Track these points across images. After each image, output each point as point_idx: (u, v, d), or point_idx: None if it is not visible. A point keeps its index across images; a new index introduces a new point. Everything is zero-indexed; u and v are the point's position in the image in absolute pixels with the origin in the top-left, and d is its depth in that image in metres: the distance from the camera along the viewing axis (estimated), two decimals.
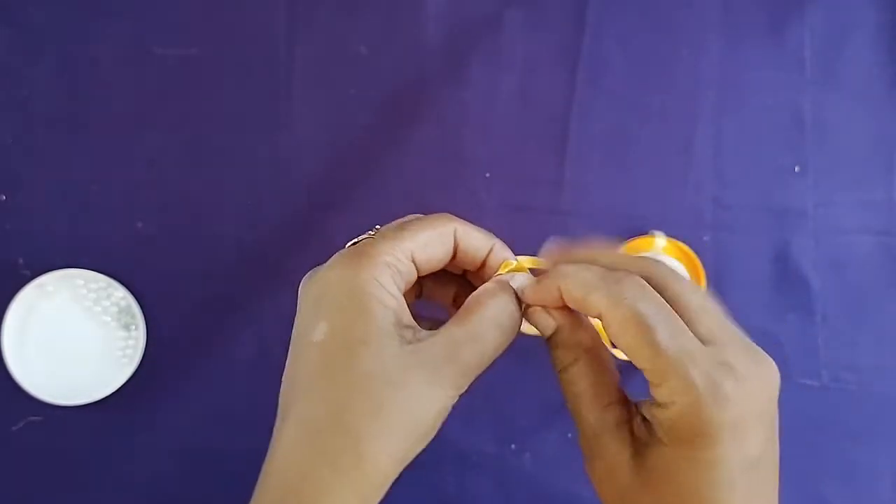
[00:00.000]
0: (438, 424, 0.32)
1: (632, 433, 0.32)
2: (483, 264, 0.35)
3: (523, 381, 0.60)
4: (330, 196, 0.60)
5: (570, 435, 0.60)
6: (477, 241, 0.34)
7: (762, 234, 0.61)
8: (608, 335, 0.31)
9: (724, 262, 0.60)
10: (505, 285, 0.33)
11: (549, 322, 0.33)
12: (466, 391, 0.32)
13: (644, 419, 0.31)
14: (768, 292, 0.61)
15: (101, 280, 0.58)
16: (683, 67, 0.62)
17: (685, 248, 0.59)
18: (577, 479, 0.60)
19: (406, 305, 0.32)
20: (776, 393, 0.32)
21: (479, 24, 0.61)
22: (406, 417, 0.30)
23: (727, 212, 0.61)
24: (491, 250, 0.35)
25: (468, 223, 0.34)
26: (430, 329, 0.33)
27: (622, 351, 0.30)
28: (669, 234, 0.59)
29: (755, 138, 0.61)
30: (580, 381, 0.33)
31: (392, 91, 0.61)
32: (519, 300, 0.34)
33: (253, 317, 0.60)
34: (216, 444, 0.60)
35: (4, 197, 0.60)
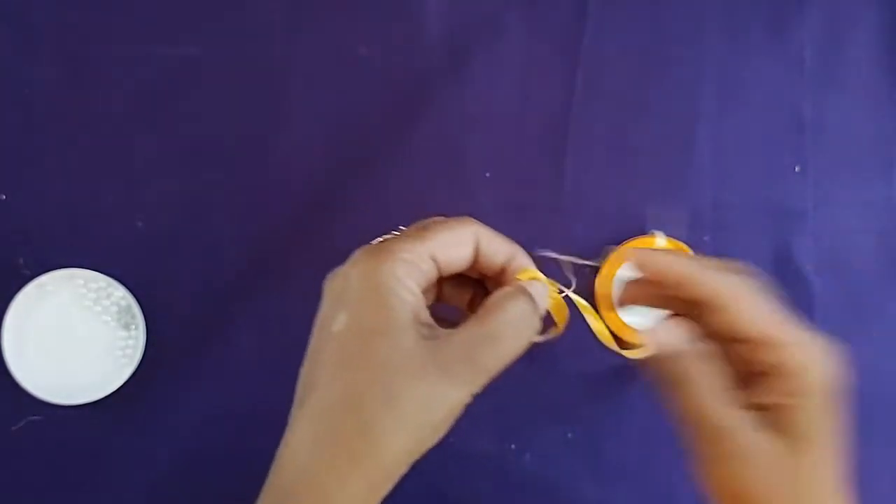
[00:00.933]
0: (450, 422, 0.32)
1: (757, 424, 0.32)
2: (502, 271, 0.35)
3: (523, 381, 0.60)
4: (330, 196, 0.60)
5: (570, 435, 0.60)
6: (498, 247, 0.35)
7: (762, 234, 0.61)
8: (728, 310, 0.32)
9: None
10: (523, 289, 0.34)
11: (676, 336, 0.34)
12: (480, 392, 0.32)
13: (755, 407, 0.33)
14: None
15: (101, 280, 0.58)
16: (683, 67, 0.62)
17: (685, 248, 0.59)
18: (578, 479, 0.60)
19: (424, 303, 0.33)
20: None
21: (479, 24, 0.61)
22: (418, 410, 0.30)
23: (727, 212, 0.61)
24: (512, 258, 0.35)
25: (490, 229, 0.35)
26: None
27: (738, 322, 0.32)
28: (669, 234, 0.59)
29: (755, 138, 0.61)
30: (716, 384, 0.32)
31: (392, 91, 0.61)
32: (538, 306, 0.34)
33: (253, 317, 0.60)
34: (216, 444, 0.60)
35: (4, 197, 0.60)
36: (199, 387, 0.60)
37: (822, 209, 0.61)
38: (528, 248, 0.60)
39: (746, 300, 0.32)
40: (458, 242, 0.34)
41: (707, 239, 0.61)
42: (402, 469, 0.31)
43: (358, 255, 0.33)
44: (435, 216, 0.36)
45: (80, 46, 0.60)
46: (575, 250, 0.60)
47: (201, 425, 0.59)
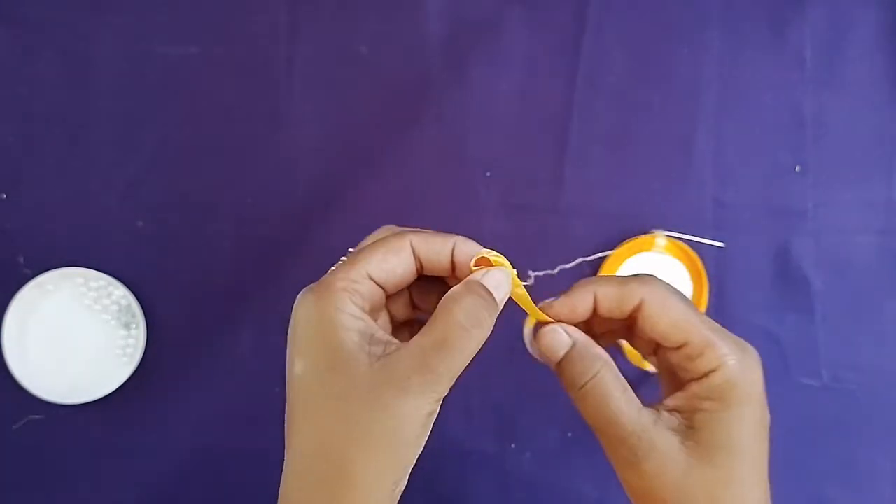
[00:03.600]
0: (424, 434, 0.32)
1: (667, 425, 0.33)
2: (453, 266, 0.35)
3: (524, 380, 0.60)
4: (330, 196, 0.60)
5: (570, 434, 0.60)
6: (436, 245, 0.35)
7: (762, 234, 0.61)
8: (646, 322, 0.33)
9: (724, 261, 0.60)
10: (473, 285, 0.34)
11: (563, 339, 0.35)
12: (448, 393, 0.33)
13: (670, 410, 0.34)
14: (768, 292, 0.61)
15: (102, 279, 0.58)
16: (684, 66, 0.61)
17: (686, 247, 0.59)
18: (578, 479, 0.60)
19: (373, 323, 0.33)
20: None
21: (479, 24, 0.61)
22: (386, 433, 0.31)
23: (727, 211, 0.61)
24: (454, 249, 0.35)
25: (424, 231, 0.35)
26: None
27: (661, 331, 0.33)
28: (669, 234, 0.59)
29: (755, 137, 0.61)
30: (611, 389, 0.33)
31: (392, 91, 0.61)
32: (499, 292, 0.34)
33: (253, 316, 0.60)
34: (216, 442, 0.60)
35: (5, 195, 0.60)
36: (199, 386, 0.60)
37: (822, 209, 0.61)
38: (529, 247, 0.60)
39: (668, 306, 0.33)
40: (392, 256, 0.34)
41: (707, 239, 0.61)
42: (390, 488, 0.32)
43: (301, 296, 0.34)
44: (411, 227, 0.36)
45: (80, 45, 0.60)
46: (575, 250, 0.60)
47: (201, 423, 0.60)
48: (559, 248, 0.60)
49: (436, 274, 0.36)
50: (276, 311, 0.59)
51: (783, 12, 0.62)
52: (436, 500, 0.60)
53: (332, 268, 0.36)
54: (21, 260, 0.59)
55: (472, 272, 0.35)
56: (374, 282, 0.34)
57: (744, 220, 0.61)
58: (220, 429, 0.60)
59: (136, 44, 0.60)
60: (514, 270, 0.35)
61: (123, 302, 0.59)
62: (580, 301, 0.35)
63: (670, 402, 0.34)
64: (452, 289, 0.34)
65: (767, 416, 0.33)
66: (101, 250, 0.59)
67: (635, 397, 0.33)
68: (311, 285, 0.34)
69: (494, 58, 0.61)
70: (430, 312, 0.38)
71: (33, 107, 0.60)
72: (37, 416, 0.59)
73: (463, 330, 0.32)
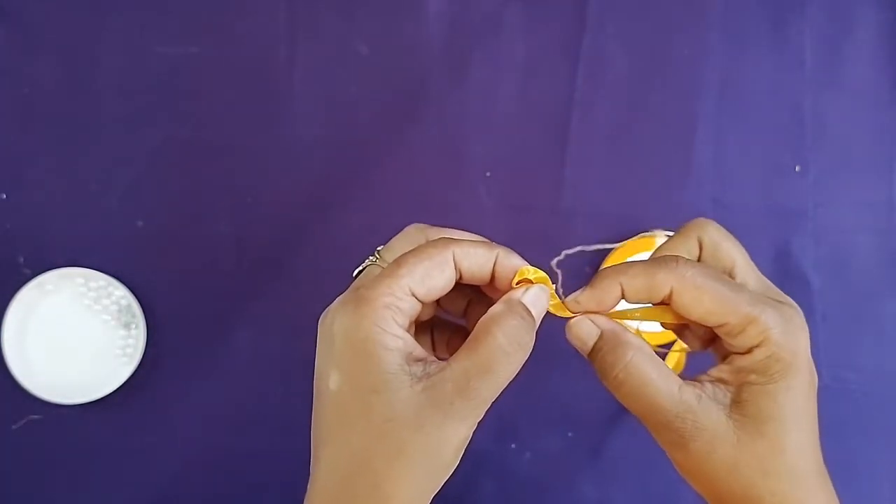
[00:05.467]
0: (459, 454, 0.33)
1: (712, 400, 0.33)
2: (493, 277, 0.35)
3: (523, 380, 0.60)
4: (330, 195, 0.60)
5: (570, 434, 0.60)
6: (478, 258, 0.34)
7: (762, 234, 0.61)
8: (680, 308, 0.33)
9: None
10: (514, 305, 0.33)
11: (591, 329, 0.34)
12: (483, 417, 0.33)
13: (714, 382, 0.33)
14: None
15: (101, 279, 0.58)
16: (684, 67, 0.62)
17: None
18: (578, 479, 0.60)
19: (413, 340, 0.33)
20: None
21: (479, 24, 0.61)
22: (425, 456, 0.31)
23: (727, 211, 0.61)
24: (497, 263, 0.34)
25: (466, 241, 0.34)
26: (448, 337, 0.36)
27: (697, 318, 0.33)
28: (670, 234, 0.59)
29: (755, 138, 0.61)
30: (648, 373, 0.33)
31: (392, 91, 0.61)
32: (537, 312, 0.34)
33: (253, 316, 0.60)
34: (216, 442, 0.60)
35: (5, 196, 0.60)
36: (199, 386, 0.60)
37: (822, 209, 0.61)
38: (529, 247, 0.60)
39: (700, 293, 0.32)
40: (435, 270, 0.33)
41: None
42: None
43: (339, 306, 0.32)
44: (417, 223, 0.36)
45: (80, 45, 0.60)
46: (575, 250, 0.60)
47: (201, 424, 0.60)
48: (559, 249, 0.60)
49: (473, 283, 0.35)
50: (275, 311, 0.60)
51: (783, 12, 0.62)
52: (435, 500, 0.60)
53: (361, 267, 0.35)
54: (21, 260, 0.59)
55: (512, 288, 0.34)
56: (415, 297, 0.33)
57: (744, 220, 0.61)
58: (220, 428, 0.60)
59: (136, 44, 0.60)
60: (553, 286, 0.35)
61: (123, 302, 0.59)
62: (607, 293, 0.34)
63: (714, 372, 0.34)
64: (493, 309, 0.33)
65: (815, 379, 0.33)
66: (101, 250, 0.59)
67: (674, 376, 0.33)
68: (349, 295, 0.33)
69: (494, 58, 0.61)
70: (456, 315, 0.38)
71: (33, 106, 0.60)
72: (37, 416, 0.59)
73: (505, 355, 0.32)
